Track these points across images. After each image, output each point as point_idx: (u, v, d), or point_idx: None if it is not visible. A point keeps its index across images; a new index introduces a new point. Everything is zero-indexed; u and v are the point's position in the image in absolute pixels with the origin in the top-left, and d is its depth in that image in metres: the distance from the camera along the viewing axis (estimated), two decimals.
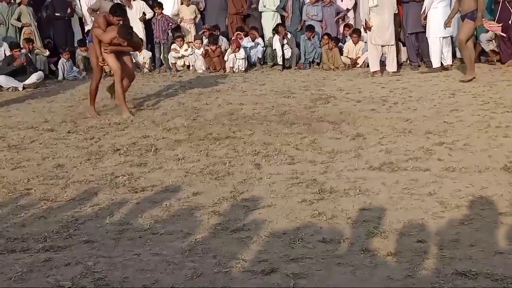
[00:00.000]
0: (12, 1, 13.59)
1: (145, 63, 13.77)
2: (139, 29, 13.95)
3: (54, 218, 4.91)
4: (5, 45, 13.06)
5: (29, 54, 12.78)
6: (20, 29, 13.54)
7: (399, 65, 12.06)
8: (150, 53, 13.92)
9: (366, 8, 11.34)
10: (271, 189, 5.34)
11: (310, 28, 13.05)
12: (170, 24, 13.78)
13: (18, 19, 13.42)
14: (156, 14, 13.78)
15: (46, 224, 4.79)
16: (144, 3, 14.08)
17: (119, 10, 8.85)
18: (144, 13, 13.94)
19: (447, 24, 10.84)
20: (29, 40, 13.13)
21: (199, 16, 14.13)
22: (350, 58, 12.82)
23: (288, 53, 13.08)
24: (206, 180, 5.73)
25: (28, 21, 13.41)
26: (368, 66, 12.19)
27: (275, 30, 13.25)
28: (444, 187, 5.14)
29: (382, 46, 11.52)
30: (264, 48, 13.55)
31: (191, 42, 13.76)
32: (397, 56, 11.81)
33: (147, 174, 6.03)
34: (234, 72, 12.93)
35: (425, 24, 11.26)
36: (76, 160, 6.68)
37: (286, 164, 6.11)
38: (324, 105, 9.03)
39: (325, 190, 5.19)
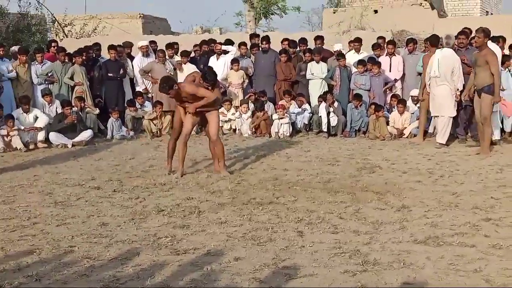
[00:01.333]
0: (66, 60, 13.99)
1: None
2: None
3: (96, 276, 4.94)
4: (57, 102, 13.40)
5: (79, 112, 13.09)
6: (72, 87, 13.89)
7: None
8: None
9: (427, 78, 11.48)
10: (313, 258, 5.29)
11: (358, 97, 13.11)
12: (220, 87, 13.99)
13: (71, 78, 13.78)
14: None
15: (88, 282, 4.81)
16: (195, 66, 14.36)
17: (209, 77, 9.06)
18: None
19: (464, 97, 11.04)
20: (80, 99, 13.45)
21: (247, 81, 14.34)
22: (396, 128, 12.79)
23: (334, 121, 13.11)
24: (248, 245, 5.71)
25: (81, 80, 13.76)
26: (414, 136, 12.18)
27: (322, 98, 13.35)
28: (490, 264, 5.03)
29: (434, 116, 11.52)
30: (311, 114, 13.63)
31: (238, 106, 13.93)
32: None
33: (189, 237, 6.04)
34: (279, 137, 13.01)
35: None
36: (120, 219, 6.74)
37: (329, 232, 6.06)
38: (369, 174, 8.98)
39: (368, 262, 5.12)
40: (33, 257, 5.52)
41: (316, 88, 13.88)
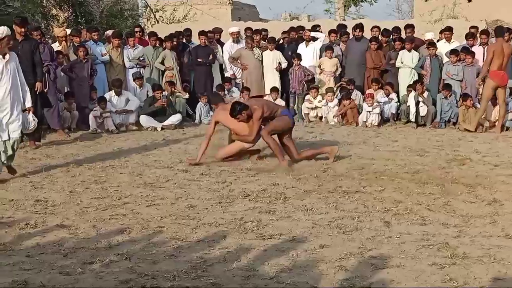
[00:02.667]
0: (157, 45, 14.24)
1: None
2: (274, 79, 14.31)
3: (183, 257, 5.03)
4: (148, 86, 13.71)
5: (169, 97, 13.34)
6: (163, 72, 14.15)
7: None
8: (283, 102, 14.14)
9: None
10: (400, 249, 5.21)
11: (447, 87, 12.80)
12: (307, 75, 13.96)
13: (162, 63, 14.03)
14: (294, 64, 14.01)
15: (176, 263, 4.91)
16: (281, 53, 14.37)
17: (234, 112, 8.88)
18: (279, 63, 14.24)
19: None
20: (170, 83, 13.70)
21: (340, 69, 14.21)
22: (488, 120, 12.41)
23: (423, 111, 12.84)
24: (333, 233, 5.68)
25: (171, 65, 14.00)
26: (507, 129, 11.83)
27: (411, 87, 13.11)
28: None
29: None
30: (398, 104, 13.41)
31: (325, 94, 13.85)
32: None
33: (275, 222, 6.06)
34: (366, 126, 12.87)
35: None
36: (208, 203, 6.84)
37: (417, 224, 5.96)
38: (459, 166, 8.76)
39: (457, 255, 5.00)
40: (124, 236, 5.68)
41: (405, 77, 13.63)
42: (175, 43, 14.46)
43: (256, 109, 8.87)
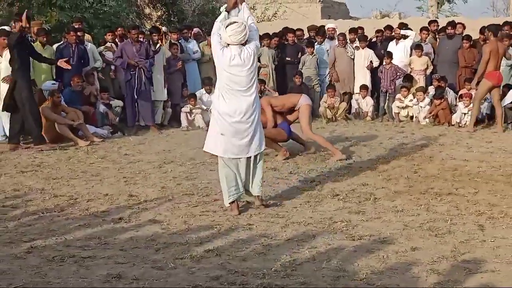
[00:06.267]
0: None
1: (368, 111, 13.84)
2: (365, 77, 14.15)
3: (273, 256, 5.06)
4: None
5: (260, 94, 13.39)
6: (258, 69, 14.18)
7: None
8: (372, 101, 13.97)
9: None
10: (495, 254, 5.06)
11: None
12: (398, 73, 13.73)
13: (258, 59, 14.06)
14: (384, 63, 13.81)
15: (265, 261, 4.94)
16: (372, 51, 14.19)
17: None
18: (371, 62, 14.07)
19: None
20: (261, 81, 13.74)
21: (431, 67, 13.89)
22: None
23: None
24: (425, 235, 5.57)
25: (266, 62, 14.02)
26: None
27: (508, 86, 12.65)
28: None
29: None
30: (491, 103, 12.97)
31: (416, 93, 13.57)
32: None
33: (365, 223, 6.01)
34: (460, 126, 12.52)
35: None
36: (296, 201, 6.84)
37: None
38: None
39: None
40: (213, 233, 5.76)
41: (504, 77, 13.15)
42: (276, 41, 14.40)
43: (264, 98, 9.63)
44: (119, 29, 14.27)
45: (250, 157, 6.49)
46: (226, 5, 6.65)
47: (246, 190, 6.63)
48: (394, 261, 4.90)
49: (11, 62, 10.51)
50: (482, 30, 13.67)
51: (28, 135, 10.97)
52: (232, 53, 6.23)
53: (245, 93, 6.32)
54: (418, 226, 5.86)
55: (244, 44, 6.28)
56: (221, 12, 6.58)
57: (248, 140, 6.39)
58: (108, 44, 13.56)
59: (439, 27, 14.79)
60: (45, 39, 11.92)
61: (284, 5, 25.18)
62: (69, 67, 11.31)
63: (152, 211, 6.53)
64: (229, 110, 6.30)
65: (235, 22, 6.23)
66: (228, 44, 6.27)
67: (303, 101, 9.39)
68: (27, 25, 10.62)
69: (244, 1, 6.65)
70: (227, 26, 6.20)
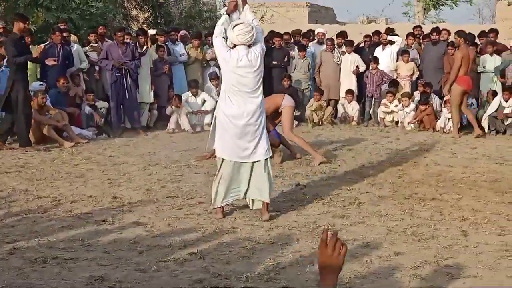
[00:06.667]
0: None
1: (354, 115, 13.88)
2: (351, 82, 14.20)
3: (256, 259, 5.06)
4: None
5: None
6: None
7: None
8: (358, 105, 14.03)
9: None
10: (477, 259, 5.08)
11: None
12: (384, 79, 13.78)
13: None
14: (371, 68, 13.86)
15: (249, 264, 4.93)
16: (359, 57, 14.24)
17: None
18: (357, 66, 14.11)
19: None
20: None
21: (417, 73, 13.96)
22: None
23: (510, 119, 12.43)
24: (409, 240, 5.59)
25: None
26: None
27: (493, 93, 12.73)
28: None
29: None
30: (477, 109, 13.06)
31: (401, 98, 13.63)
32: None
33: (349, 227, 6.02)
34: (444, 132, 12.59)
35: None
36: (281, 205, 6.84)
37: (495, 234, 5.79)
38: None
39: None
40: (197, 236, 5.75)
41: (486, 83, 13.25)
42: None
43: None
44: (101, 27, 14.17)
45: (255, 162, 6.41)
46: (226, 7, 6.65)
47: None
48: (378, 266, 4.91)
49: (8, 62, 10.47)
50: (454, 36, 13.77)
51: (16, 136, 10.89)
52: (239, 54, 6.18)
53: (252, 95, 6.28)
54: (402, 231, 5.88)
55: (250, 46, 6.26)
56: (221, 15, 6.59)
57: (255, 143, 6.32)
58: (95, 44, 13.48)
59: (424, 33, 14.91)
60: (29, 39, 11.86)
61: (272, 9, 25.20)
62: (56, 64, 11.29)
63: (136, 213, 6.50)
64: (237, 113, 6.25)
65: (242, 22, 6.22)
66: (235, 45, 6.25)
67: (286, 102, 9.38)
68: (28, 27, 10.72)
69: (247, 3, 6.67)
70: (234, 26, 6.18)
